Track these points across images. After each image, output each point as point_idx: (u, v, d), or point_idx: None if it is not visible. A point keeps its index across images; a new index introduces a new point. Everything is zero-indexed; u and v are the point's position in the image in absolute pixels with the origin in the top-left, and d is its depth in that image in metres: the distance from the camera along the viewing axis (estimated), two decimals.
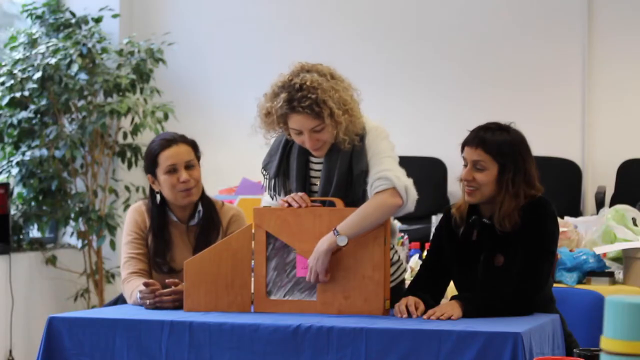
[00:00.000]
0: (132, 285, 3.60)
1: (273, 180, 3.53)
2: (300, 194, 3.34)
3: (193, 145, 3.73)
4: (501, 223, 3.30)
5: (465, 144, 3.36)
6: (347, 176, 3.41)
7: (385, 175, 3.33)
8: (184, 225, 3.74)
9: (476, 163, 3.30)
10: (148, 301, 3.45)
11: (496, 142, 3.29)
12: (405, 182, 3.33)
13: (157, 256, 3.69)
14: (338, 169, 3.42)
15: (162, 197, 3.71)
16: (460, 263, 3.40)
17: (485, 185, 3.30)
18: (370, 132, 3.46)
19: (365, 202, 3.33)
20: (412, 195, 3.34)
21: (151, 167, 3.70)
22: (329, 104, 3.29)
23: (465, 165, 3.34)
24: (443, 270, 3.43)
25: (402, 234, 5.22)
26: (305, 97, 3.29)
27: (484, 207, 3.37)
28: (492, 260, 3.34)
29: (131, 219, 3.75)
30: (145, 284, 3.47)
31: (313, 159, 3.51)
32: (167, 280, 3.51)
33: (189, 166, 3.68)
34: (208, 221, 3.72)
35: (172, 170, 3.66)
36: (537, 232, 3.31)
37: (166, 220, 3.72)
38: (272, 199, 3.55)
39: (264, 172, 3.58)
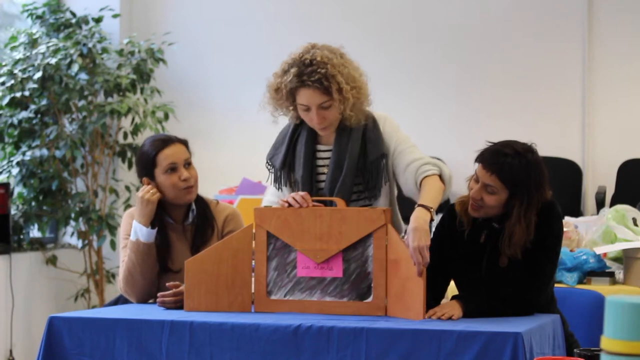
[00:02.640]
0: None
1: (279, 172, 3.55)
2: (301, 193, 3.34)
3: (186, 145, 3.76)
4: (511, 252, 3.27)
5: (481, 161, 3.29)
6: (358, 161, 3.45)
7: (432, 161, 3.43)
8: (180, 226, 3.74)
9: (487, 187, 3.27)
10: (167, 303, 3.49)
11: (512, 171, 3.23)
12: (448, 171, 3.44)
13: (157, 257, 3.70)
14: (349, 153, 3.46)
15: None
16: (463, 262, 3.39)
17: (490, 208, 3.29)
18: (381, 119, 3.53)
19: (427, 182, 3.38)
20: (451, 186, 3.45)
21: (148, 169, 3.69)
22: (338, 78, 3.36)
23: (476, 180, 3.30)
24: (443, 270, 3.42)
25: (403, 235, 5.21)
26: (314, 72, 3.36)
27: None
28: (497, 261, 3.33)
29: (126, 223, 3.76)
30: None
31: (320, 147, 3.54)
32: (168, 284, 3.52)
33: (187, 164, 3.70)
34: (202, 219, 3.73)
35: (173, 169, 3.67)
36: (543, 234, 3.29)
37: (164, 223, 3.72)
38: (278, 190, 3.58)
39: (269, 165, 3.60)
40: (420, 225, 3.19)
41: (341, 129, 3.50)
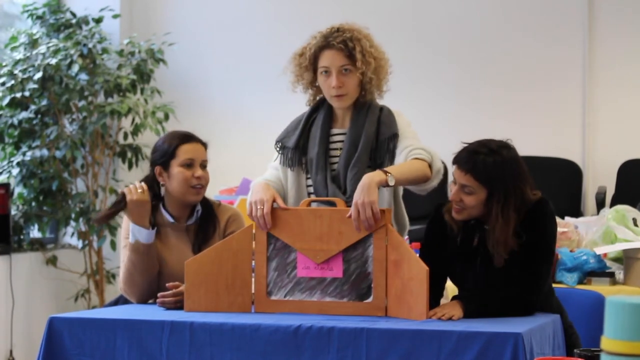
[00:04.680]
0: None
1: (291, 152, 3.60)
2: (265, 211, 3.30)
3: (206, 148, 3.79)
4: (495, 249, 3.25)
5: (456, 162, 3.30)
6: (372, 140, 3.54)
7: (427, 149, 3.48)
8: (181, 225, 3.74)
9: (464, 187, 3.27)
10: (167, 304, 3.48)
11: (486, 168, 3.23)
12: (439, 165, 3.48)
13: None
14: (365, 131, 3.54)
15: (159, 194, 3.72)
16: (458, 265, 3.38)
17: (471, 208, 3.27)
18: (395, 112, 3.64)
19: (410, 160, 3.42)
20: (438, 179, 3.49)
21: (166, 158, 3.70)
22: (362, 42, 3.54)
23: (455, 183, 3.30)
24: (439, 270, 3.37)
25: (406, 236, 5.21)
26: (340, 35, 3.54)
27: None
28: (491, 263, 3.31)
29: (127, 223, 3.75)
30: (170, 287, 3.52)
31: (335, 131, 3.62)
32: (168, 284, 3.52)
33: (203, 166, 3.72)
34: (206, 220, 3.73)
35: (189, 164, 3.68)
36: (538, 233, 3.29)
37: (158, 221, 3.71)
38: (289, 168, 3.62)
39: (278, 146, 3.66)
40: (368, 183, 3.23)
41: (358, 111, 3.59)
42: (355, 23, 3.65)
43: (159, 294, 3.51)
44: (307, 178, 3.61)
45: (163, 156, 3.72)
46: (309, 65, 3.58)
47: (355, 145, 3.54)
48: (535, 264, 3.28)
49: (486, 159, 3.25)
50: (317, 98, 3.68)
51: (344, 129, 3.61)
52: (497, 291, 3.27)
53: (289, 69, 3.65)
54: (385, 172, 3.28)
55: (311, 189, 3.59)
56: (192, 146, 3.71)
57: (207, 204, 3.77)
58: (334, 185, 3.53)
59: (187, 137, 3.74)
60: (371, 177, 3.25)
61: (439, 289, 3.43)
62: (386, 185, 3.28)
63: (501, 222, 3.24)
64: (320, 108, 3.66)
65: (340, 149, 3.58)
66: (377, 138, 3.55)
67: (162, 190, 3.73)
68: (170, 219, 3.74)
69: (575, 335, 3.46)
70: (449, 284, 3.52)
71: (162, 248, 3.71)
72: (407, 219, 3.66)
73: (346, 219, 3.27)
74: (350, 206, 3.30)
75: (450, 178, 3.40)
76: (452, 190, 3.30)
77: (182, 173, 3.68)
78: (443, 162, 3.59)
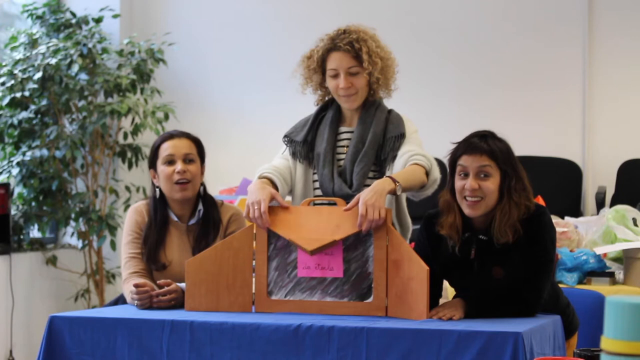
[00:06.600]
0: (131, 286, 3.60)
1: (299, 145, 3.65)
2: (263, 209, 3.30)
3: (196, 142, 3.77)
4: (502, 234, 3.21)
5: (463, 153, 3.25)
6: (380, 137, 3.59)
7: (427, 156, 3.51)
8: (183, 225, 3.74)
9: (482, 170, 3.21)
10: (137, 302, 3.46)
11: (498, 148, 3.25)
12: (437, 175, 3.51)
13: (150, 250, 3.69)
14: (373, 128, 3.60)
15: (161, 193, 3.73)
16: (456, 277, 3.36)
17: (490, 194, 3.21)
18: (404, 117, 3.68)
19: (410, 166, 3.45)
20: (432, 188, 3.52)
21: (152, 160, 3.75)
22: (368, 43, 3.60)
23: (465, 175, 3.24)
24: (435, 274, 3.30)
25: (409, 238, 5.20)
26: (346, 37, 3.60)
27: (476, 220, 3.28)
28: (491, 273, 3.28)
29: (131, 218, 3.75)
30: (135, 285, 3.47)
31: (343, 129, 3.67)
32: (159, 281, 3.51)
33: (187, 160, 3.70)
34: (208, 221, 3.72)
35: (170, 161, 3.68)
36: (538, 242, 3.25)
37: (166, 217, 3.72)
38: (298, 161, 3.66)
39: (286, 139, 3.70)
40: (380, 189, 3.26)
41: (366, 110, 3.65)
42: (362, 24, 3.69)
43: (154, 292, 3.49)
44: (314, 173, 3.64)
45: (151, 158, 3.76)
46: (317, 67, 3.64)
47: (363, 141, 3.59)
48: (537, 276, 3.23)
49: (495, 141, 3.27)
50: (326, 98, 3.73)
51: (351, 128, 3.67)
52: (498, 292, 3.25)
53: (298, 71, 3.70)
54: (395, 182, 3.30)
55: (317, 184, 3.61)
56: (172, 142, 3.71)
57: (211, 203, 3.76)
58: (340, 179, 3.56)
59: (170, 135, 3.75)
60: (383, 185, 3.28)
61: (436, 289, 3.41)
62: (394, 193, 3.32)
63: (514, 202, 3.21)
64: (329, 107, 3.72)
65: (347, 146, 3.62)
66: (384, 136, 3.59)
67: (157, 191, 3.74)
68: (174, 218, 3.74)
69: (574, 314, 3.46)
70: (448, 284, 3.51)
71: (164, 247, 3.71)
72: (409, 220, 3.66)
73: (344, 214, 3.27)
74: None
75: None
76: (461, 186, 3.23)
77: (164, 170, 3.69)
78: (442, 163, 3.58)
